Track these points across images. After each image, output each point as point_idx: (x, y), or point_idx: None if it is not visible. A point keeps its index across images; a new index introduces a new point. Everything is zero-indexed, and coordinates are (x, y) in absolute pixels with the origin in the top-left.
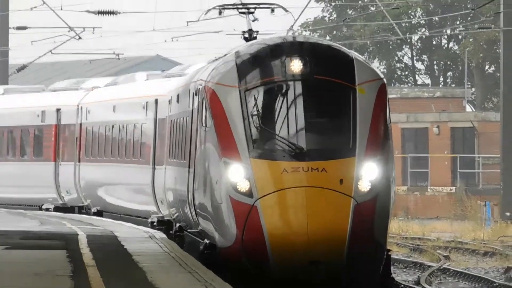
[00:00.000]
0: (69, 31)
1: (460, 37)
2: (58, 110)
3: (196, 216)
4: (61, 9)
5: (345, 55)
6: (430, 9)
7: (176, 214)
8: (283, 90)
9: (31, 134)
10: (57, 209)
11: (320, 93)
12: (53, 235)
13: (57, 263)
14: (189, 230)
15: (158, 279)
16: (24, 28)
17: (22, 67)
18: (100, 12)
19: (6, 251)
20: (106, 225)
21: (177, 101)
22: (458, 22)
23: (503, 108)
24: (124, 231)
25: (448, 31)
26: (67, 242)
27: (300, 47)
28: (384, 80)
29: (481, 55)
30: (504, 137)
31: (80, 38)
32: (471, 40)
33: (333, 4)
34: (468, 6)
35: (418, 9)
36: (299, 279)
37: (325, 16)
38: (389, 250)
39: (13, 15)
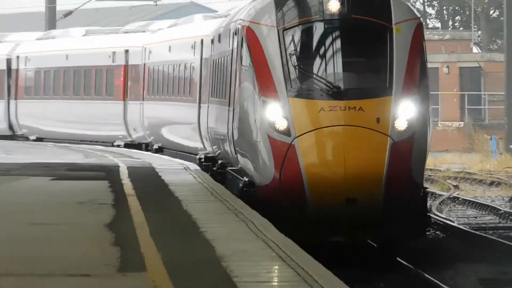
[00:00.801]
0: None
1: None
2: (126, 51)
3: (236, 154)
4: None
5: None
6: None
7: (218, 152)
8: (321, 30)
9: (104, 74)
10: (126, 145)
11: (358, 33)
12: (97, 167)
13: (100, 193)
14: (229, 168)
15: (192, 207)
16: None
17: (69, 13)
18: None
19: (53, 182)
20: (145, 157)
21: (219, 41)
22: None
23: (506, 49)
24: (161, 163)
25: None
26: (109, 173)
27: None
28: (421, 19)
29: (486, 0)
30: (508, 76)
31: None
32: None
33: None
34: None
35: None
36: (335, 218)
37: None
38: (426, 188)
39: None
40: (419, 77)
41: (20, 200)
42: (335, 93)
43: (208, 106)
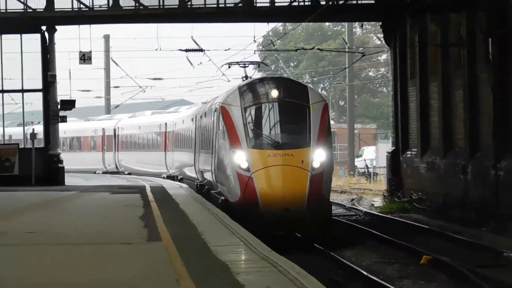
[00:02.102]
0: (139, 88)
1: None
2: (166, 123)
3: (216, 183)
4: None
5: (303, 86)
6: None
7: (205, 181)
8: (268, 108)
9: (156, 136)
10: (167, 177)
11: (289, 109)
12: (133, 187)
13: (136, 200)
14: (212, 191)
15: (185, 206)
16: (117, 87)
17: (117, 106)
18: (155, 78)
19: (111, 195)
20: (159, 181)
21: (204, 117)
22: None
23: (348, 122)
24: (167, 184)
25: None
26: (140, 190)
27: (277, 82)
28: (326, 101)
29: (337, 96)
30: (349, 136)
31: (144, 91)
32: None
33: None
34: None
35: None
36: (278, 220)
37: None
38: (331, 202)
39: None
40: (326, 135)
41: (93, 204)
42: (276, 145)
43: (199, 154)
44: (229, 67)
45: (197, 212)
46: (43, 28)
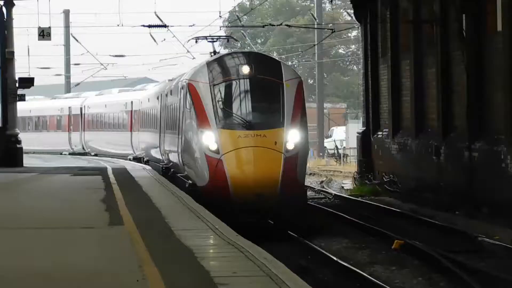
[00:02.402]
0: (101, 65)
1: None
2: (131, 102)
3: (183, 165)
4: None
5: (276, 62)
6: None
7: (171, 163)
8: (238, 85)
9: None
10: (134, 159)
11: (261, 86)
12: (95, 168)
13: (97, 183)
14: (178, 174)
15: (148, 189)
16: (78, 64)
17: (77, 84)
18: (117, 55)
19: (71, 177)
20: (121, 162)
21: (170, 95)
22: None
23: (317, 101)
24: (130, 166)
25: None
26: (102, 172)
27: (249, 57)
28: (301, 78)
29: (306, 74)
30: (319, 116)
31: (106, 68)
32: None
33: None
34: None
35: None
36: (249, 206)
37: None
38: (307, 187)
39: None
40: (300, 115)
41: (53, 186)
42: (247, 125)
43: (164, 135)
44: (196, 41)
45: (161, 195)
46: (1, 3)
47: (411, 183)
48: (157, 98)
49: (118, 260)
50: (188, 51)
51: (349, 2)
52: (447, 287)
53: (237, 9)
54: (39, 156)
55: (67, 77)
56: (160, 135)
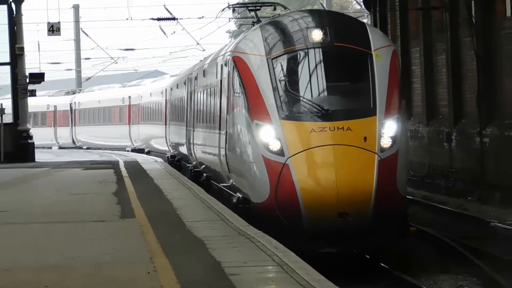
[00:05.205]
0: (111, 59)
1: None
2: (129, 96)
3: (229, 172)
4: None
5: (360, 24)
6: None
7: (203, 166)
8: (308, 57)
9: (117, 110)
10: (133, 150)
11: (341, 59)
12: (107, 162)
13: (109, 176)
14: (221, 184)
15: (159, 182)
16: (88, 58)
17: (88, 78)
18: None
19: (83, 171)
20: (132, 155)
21: (201, 77)
22: None
23: None
24: (141, 158)
25: None
26: (114, 165)
27: (321, 18)
28: (394, 46)
29: None
30: None
31: (116, 62)
32: None
33: None
34: None
35: None
36: (328, 231)
37: None
38: (408, 200)
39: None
40: (398, 98)
41: (65, 181)
42: (323, 114)
43: (193, 130)
44: (233, 10)
45: (172, 187)
46: None
47: (423, 169)
48: (184, 84)
49: (129, 253)
50: (197, 43)
51: None
52: (461, 273)
53: (246, 0)
54: (51, 151)
55: (78, 72)
56: (186, 130)
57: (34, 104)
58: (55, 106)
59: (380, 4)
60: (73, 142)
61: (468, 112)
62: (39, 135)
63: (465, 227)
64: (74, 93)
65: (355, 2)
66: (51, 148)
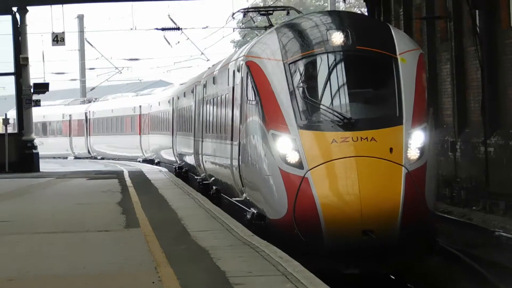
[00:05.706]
0: (116, 69)
1: None
2: (140, 106)
3: (243, 186)
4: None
5: (384, 26)
6: None
7: (213, 178)
8: (328, 62)
9: (129, 119)
10: (143, 161)
11: (364, 63)
12: (111, 172)
13: (113, 185)
14: (233, 199)
15: (164, 192)
16: (93, 68)
17: (93, 88)
18: (131, 59)
19: (88, 181)
20: (137, 165)
21: (210, 84)
22: None
23: None
24: (146, 168)
25: None
26: (118, 175)
27: (341, 19)
28: (421, 50)
29: None
30: None
31: (121, 72)
32: None
33: None
34: None
35: None
36: (351, 250)
37: None
38: (436, 215)
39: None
40: (425, 106)
41: (70, 190)
42: (345, 124)
43: (202, 141)
44: (244, 15)
45: (176, 197)
46: (14, 9)
47: None
48: (192, 92)
49: (134, 262)
50: (202, 53)
51: (362, 0)
52: (465, 281)
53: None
54: (56, 161)
55: (83, 82)
56: (194, 141)
57: (49, 113)
58: (70, 116)
59: (384, 13)
60: (89, 152)
61: (472, 121)
62: (54, 144)
63: (469, 236)
64: (89, 101)
65: (359, 12)
66: (66, 158)
